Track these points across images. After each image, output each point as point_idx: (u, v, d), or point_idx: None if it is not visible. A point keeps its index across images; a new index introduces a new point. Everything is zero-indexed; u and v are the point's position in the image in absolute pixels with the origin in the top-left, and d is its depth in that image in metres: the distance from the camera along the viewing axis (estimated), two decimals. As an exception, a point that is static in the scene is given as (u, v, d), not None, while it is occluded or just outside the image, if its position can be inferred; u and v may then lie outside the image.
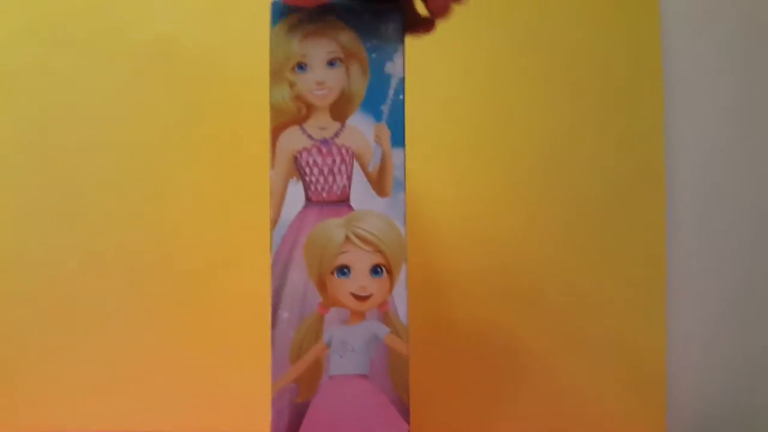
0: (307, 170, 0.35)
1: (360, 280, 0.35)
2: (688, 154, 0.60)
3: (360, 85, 0.36)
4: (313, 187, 0.35)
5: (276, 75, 0.35)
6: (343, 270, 0.35)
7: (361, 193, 0.35)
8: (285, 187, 0.35)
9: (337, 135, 0.36)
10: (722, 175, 0.60)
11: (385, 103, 0.36)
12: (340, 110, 0.36)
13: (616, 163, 0.58)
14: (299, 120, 0.35)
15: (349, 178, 0.36)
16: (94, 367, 0.53)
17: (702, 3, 0.61)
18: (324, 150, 0.36)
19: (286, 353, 0.35)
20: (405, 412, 0.35)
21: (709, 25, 0.60)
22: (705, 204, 0.60)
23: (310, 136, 0.36)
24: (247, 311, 0.52)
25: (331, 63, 0.36)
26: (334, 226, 0.35)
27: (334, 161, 0.36)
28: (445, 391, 0.55)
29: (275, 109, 0.35)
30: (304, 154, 0.35)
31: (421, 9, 0.38)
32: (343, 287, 0.35)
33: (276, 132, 0.35)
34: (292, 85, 0.35)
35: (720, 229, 0.60)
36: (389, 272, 0.35)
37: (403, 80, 0.36)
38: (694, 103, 0.61)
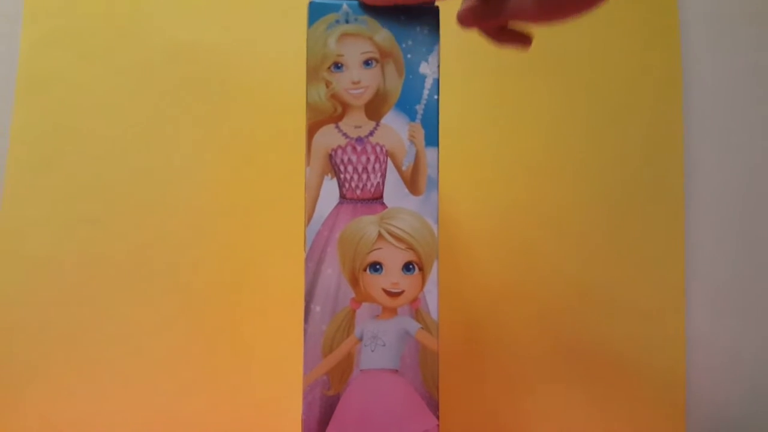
0: (342, 168, 0.36)
1: (392, 276, 0.36)
2: (707, 157, 0.60)
3: (395, 84, 0.36)
4: (347, 185, 0.36)
5: (312, 74, 0.36)
6: (376, 266, 0.36)
7: (394, 191, 0.36)
8: (320, 184, 0.36)
9: (371, 133, 0.36)
10: (740, 178, 0.60)
11: (420, 103, 0.36)
12: (375, 109, 0.36)
13: (636, 168, 0.59)
14: (335, 118, 0.36)
15: (383, 176, 0.36)
16: (129, 358, 0.54)
17: (722, 7, 0.60)
18: (359, 148, 0.36)
19: (319, 346, 0.35)
20: (434, 407, 0.36)
21: (730, 30, 0.60)
22: (724, 206, 0.60)
23: (345, 135, 0.36)
24: (280, 305, 0.53)
25: (367, 63, 0.36)
26: (367, 223, 0.36)
27: (368, 159, 0.36)
28: (473, 387, 0.56)
29: (311, 108, 0.36)
30: (339, 152, 0.36)
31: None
32: (376, 283, 0.36)
33: (312, 130, 0.36)
34: (328, 84, 0.36)
35: (740, 231, 0.60)
36: (421, 269, 0.36)
37: (437, 80, 0.36)
38: (713, 105, 0.60)
